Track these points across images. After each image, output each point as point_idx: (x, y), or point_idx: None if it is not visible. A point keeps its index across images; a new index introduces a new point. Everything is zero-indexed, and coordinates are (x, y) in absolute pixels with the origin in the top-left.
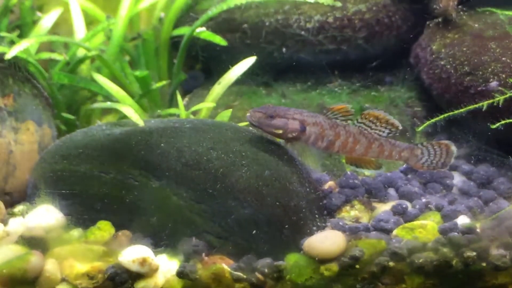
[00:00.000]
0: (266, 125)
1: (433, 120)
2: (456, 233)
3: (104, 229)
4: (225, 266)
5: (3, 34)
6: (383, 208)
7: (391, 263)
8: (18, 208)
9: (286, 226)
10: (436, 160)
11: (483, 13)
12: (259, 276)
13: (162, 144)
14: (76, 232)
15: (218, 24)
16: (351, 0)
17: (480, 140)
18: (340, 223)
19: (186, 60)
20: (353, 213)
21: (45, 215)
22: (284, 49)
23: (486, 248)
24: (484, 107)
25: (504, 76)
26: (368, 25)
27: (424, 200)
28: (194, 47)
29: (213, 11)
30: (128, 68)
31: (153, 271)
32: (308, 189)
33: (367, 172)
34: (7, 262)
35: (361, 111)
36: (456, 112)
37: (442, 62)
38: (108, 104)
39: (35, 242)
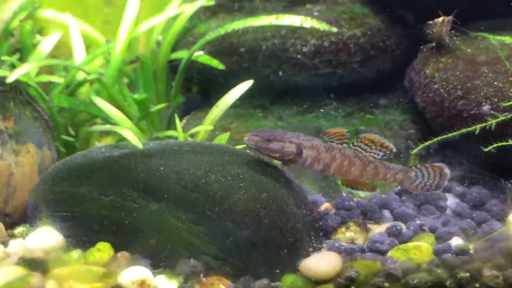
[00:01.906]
0: (263, 148)
1: (427, 143)
2: (450, 254)
3: (103, 250)
4: (223, 287)
5: (4, 57)
6: (378, 230)
7: (386, 284)
8: (18, 229)
9: (283, 247)
10: (430, 182)
11: (476, 38)
12: None
13: (161, 167)
14: (75, 254)
15: (216, 47)
16: (346, 24)
17: (473, 163)
18: (336, 245)
19: (184, 82)
20: (349, 234)
21: (45, 237)
22: (280, 73)
23: (479, 269)
24: (477, 131)
25: (496, 100)
26: (363, 49)
27: (418, 221)
28: (191, 70)
29: (211, 35)
30: (127, 91)
31: None
32: (304, 211)
33: (362, 194)
34: (7, 284)
35: (356, 134)
36: (449, 135)
37: (436, 86)
38: (108, 126)
39: (35, 264)
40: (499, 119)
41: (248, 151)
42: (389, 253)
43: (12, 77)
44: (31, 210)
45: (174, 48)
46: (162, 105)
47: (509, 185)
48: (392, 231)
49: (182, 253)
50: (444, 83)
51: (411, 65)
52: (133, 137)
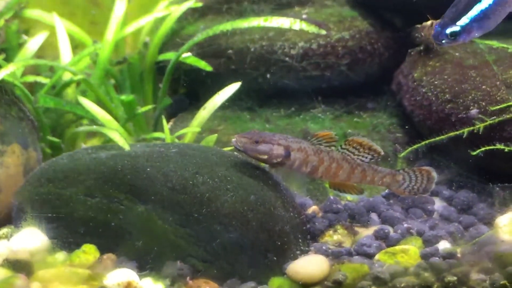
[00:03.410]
0: (251, 150)
1: (414, 147)
2: (437, 258)
3: (89, 252)
4: None
5: None
6: (366, 233)
7: (373, 287)
8: (3, 231)
9: (270, 250)
10: (418, 185)
11: (464, 42)
12: None
13: (148, 169)
14: (61, 255)
15: (203, 49)
16: (335, 27)
17: (460, 167)
18: (323, 248)
19: (171, 84)
20: (336, 237)
21: (30, 238)
22: (268, 75)
23: (466, 273)
24: (465, 134)
25: (484, 104)
26: (351, 52)
27: (405, 225)
28: (179, 72)
29: (199, 37)
30: (114, 92)
31: None
32: (292, 214)
33: (349, 197)
34: None
35: (344, 137)
36: (437, 138)
37: (424, 90)
38: (94, 127)
39: (20, 265)
40: (486, 123)
41: (235, 153)
42: (377, 257)
43: None
44: (16, 211)
45: (162, 50)
46: (149, 107)
47: (497, 189)
48: (379, 234)
49: (168, 255)
50: (432, 87)
51: (399, 69)
52: (120, 139)
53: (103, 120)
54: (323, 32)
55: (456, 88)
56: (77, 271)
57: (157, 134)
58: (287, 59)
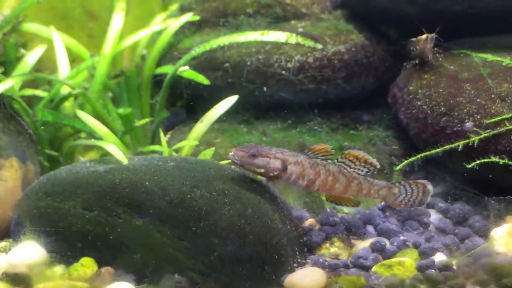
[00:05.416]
0: (248, 164)
1: (410, 160)
2: (433, 270)
3: (87, 265)
4: None
5: None
6: (362, 245)
7: None
8: (1, 244)
9: (268, 263)
10: (413, 198)
11: (458, 55)
12: None
13: (146, 182)
14: (59, 269)
15: (201, 62)
16: (331, 41)
17: (456, 179)
18: (320, 260)
19: (168, 97)
20: (333, 250)
21: (29, 252)
22: (265, 88)
23: (462, 285)
24: (460, 147)
25: (478, 117)
26: (347, 65)
27: (401, 237)
28: (177, 85)
29: (196, 51)
30: (111, 105)
31: None
32: (289, 227)
33: (346, 209)
34: None
35: (340, 149)
36: (432, 151)
37: (419, 103)
38: (92, 141)
39: (18, 279)
40: (481, 136)
41: (233, 166)
42: (373, 269)
43: None
44: (14, 225)
45: (159, 63)
46: (146, 120)
47: (492, 201)
48: (376, 247)
49: (166, 268)
50: (427, 100)
51: (395, 82)
52: (118, 152)
53: (101, 133)
54: (320, 46)
55: (451, 101)
56: (75, 285)
57: (154, 147)
58: (283, 72)
